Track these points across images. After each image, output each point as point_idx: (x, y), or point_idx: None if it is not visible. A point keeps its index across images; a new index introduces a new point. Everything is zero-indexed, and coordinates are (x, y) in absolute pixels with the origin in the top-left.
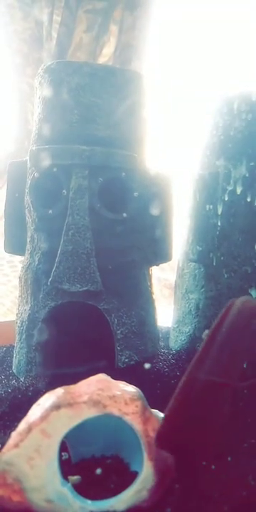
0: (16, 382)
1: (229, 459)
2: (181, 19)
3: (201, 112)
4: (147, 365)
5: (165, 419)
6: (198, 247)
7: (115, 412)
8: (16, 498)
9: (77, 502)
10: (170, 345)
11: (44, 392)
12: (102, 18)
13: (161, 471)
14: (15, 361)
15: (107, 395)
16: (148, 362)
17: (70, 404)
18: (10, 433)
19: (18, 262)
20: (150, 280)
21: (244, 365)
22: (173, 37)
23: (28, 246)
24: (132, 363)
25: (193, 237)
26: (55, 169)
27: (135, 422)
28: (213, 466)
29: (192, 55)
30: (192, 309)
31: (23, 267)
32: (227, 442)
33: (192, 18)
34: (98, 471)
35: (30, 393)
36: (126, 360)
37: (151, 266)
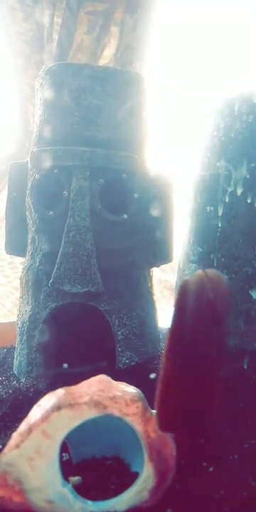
0: (16, 383)
1: (229, 459)
2: (181, 19)
3: (201, 112)
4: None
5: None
6: (198, 248)
7: (116, 412)
8: (16, 498)
9: (77, 503)
10: None
11: (45, 393)
12: (102, 19)
13: (161, 471)
14: (16, 362)
15: (108, 395)
16: (148, 363)
17: (70, 405)
18: (11, 434)
19: (19, 263)
20: (151, 281)
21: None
22: (173, 37)
23: (29, 247)
24: (133, 363)
25: (193, 239)
26: (55, 171)
27: (136, 423)
28: (213, 467)
29: (192, 55)
30: None
31: (24, 268)
32: (227, 443)
33: (192, 18)
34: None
35: (30, 394)
36: (127, 361)
37: (151, 267)
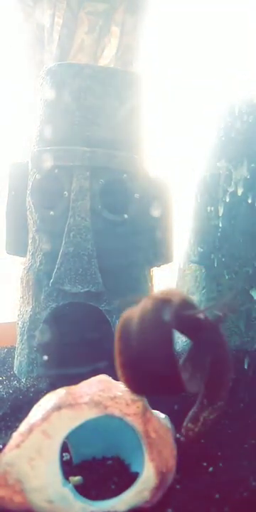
0: (17, 383)
1: (230, 459)
2: (181, 13)
3: (201, 108)
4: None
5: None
6: (199, 249)
7: (116, 412)
8: (17, 498)
9: (78, 502)
10: None
11: (45, 393)
12: (103, 19)
13: (162, 471)
14: (16, 362)
15: (108, 395)
16: None
17: (71, 405)
18: (11, 434)
19: (20, 263)
20: (151, 281)
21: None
22: (172, 31)
23: (30, 247)
24: None
25: (194, 239)
26: (56, 171)
27: (136, 423)
28: (213, 467)
29: (192, 50)
30: None
31: (24, 268)
32: (227, 443)
33: (192, 9)
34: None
35: (31, 394)
36: None
37: (152, 267)
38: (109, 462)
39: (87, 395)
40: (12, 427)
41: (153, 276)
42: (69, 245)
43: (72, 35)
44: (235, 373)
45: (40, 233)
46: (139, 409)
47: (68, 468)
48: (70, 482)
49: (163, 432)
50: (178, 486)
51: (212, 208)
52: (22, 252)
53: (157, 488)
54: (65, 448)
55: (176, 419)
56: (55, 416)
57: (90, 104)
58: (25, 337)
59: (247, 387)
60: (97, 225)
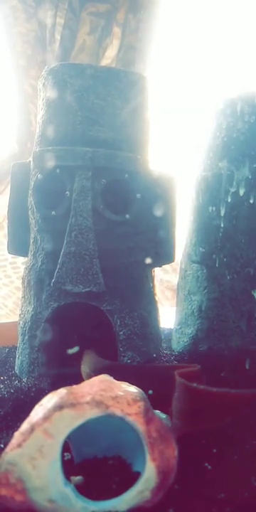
0: (18, 383)
1: (231, 459)
2: (183, 11)
3: (201, 112)
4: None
5: None
6: (200, 249)
7: (118, 412)
8: (18, 497)
9: (79, 502)
10: (172, 346)
11: (47, 393)
12: (105, 20)
13: (163, 471)
14: (17, 362)
15: (110, 395)
16: (150, 363)
17: (72, 405)
18: (13, 433)
19: (21, 263)
20: (153, 281)
21: None
22: (173, 28)
23: (31, 247)
24: (134, 364)
25: (195, 239)
26: (58, 170)
27: (138, 423)
28: (215, 468)
29: (193, 46)
30: (194, 311)
31: (26, 268)
32: (229, 443)
33: (194, 11)
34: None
35: (32, 394)
36: (129, 361)
37: (153, 267)
38: (111, 462)
39: (89, 395)
40: (13, 426)
41: (155, 277)
42: (70, 245)
43: (73, 35)
44: (237, 373)
45: (41, 233)
46: (141, 408)
47: (69, 468)
48: (71, 482)
49: (164, 432)
50: (179, 486)
51: (214, 208)
52: (24, 252)
53: (158, 487)
54: (66, 447)
55: None
56: (57, 415)
57: (92, 104)
58: (26, 337)
59: (248, 387)
60: (99, 225)
